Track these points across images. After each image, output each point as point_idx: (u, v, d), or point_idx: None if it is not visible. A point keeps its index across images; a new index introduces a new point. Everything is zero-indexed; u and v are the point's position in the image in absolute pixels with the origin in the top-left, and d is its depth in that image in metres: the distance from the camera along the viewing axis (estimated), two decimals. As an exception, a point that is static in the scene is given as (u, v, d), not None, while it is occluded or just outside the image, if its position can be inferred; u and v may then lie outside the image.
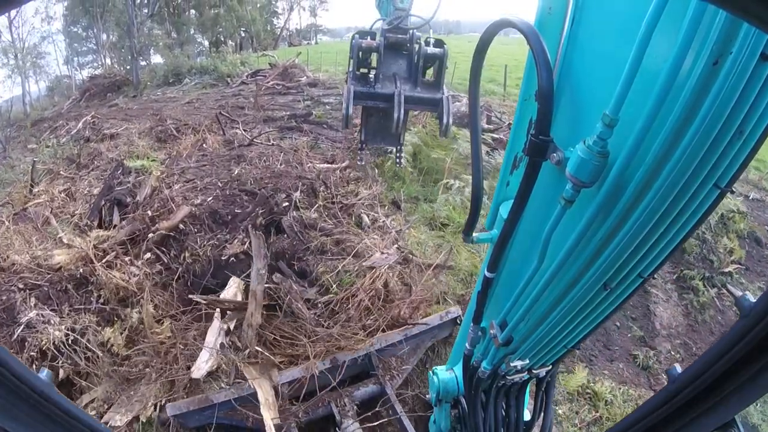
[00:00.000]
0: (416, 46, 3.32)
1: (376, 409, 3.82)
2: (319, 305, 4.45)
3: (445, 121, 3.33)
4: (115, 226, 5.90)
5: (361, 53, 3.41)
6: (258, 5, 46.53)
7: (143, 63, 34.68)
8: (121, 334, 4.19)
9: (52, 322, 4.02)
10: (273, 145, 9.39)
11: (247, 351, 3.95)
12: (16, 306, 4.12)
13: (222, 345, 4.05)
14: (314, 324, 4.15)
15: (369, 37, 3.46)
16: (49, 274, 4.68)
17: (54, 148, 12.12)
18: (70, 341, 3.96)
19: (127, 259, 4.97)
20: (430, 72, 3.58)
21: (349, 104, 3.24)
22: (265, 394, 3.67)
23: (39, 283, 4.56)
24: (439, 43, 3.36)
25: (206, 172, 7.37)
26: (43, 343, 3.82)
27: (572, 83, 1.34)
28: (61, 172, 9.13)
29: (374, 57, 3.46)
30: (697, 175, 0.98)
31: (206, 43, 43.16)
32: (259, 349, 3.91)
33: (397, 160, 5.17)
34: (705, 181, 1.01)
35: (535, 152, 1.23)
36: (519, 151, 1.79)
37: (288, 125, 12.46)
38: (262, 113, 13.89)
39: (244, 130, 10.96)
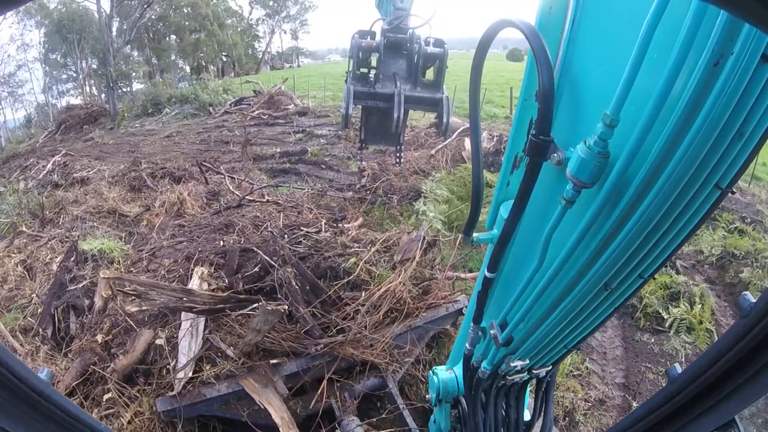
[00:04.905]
0: (416, 46, 3.31)
1: (377, 402, 3.80)
2: (333, 313, 4.22)
3: (445, 120, 3.33)
4: (72, 337, 4.88)
5: (360, 53, 3.41)
6: (239, 29, 46.46)
7: (125, 89, 33.62)
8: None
9: None
10: (268, 201, 7.95)
11: (242, 360, 3.78)
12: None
13: (209, 353, 3.83)
14: (318, 334, 3.99)
15: (369, 37, 3.46)
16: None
17: (19, 196, 10.91)
18: None
19: None
20: (430, 72, 3.58)
21: (348, 104, 3.24)
22: (279, 412, 3.46)
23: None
24: (439, 43, 3.36)
25: (184, 253, 5.71)
26: None
27: (573, 83, 1.34)
28: (24, 229, 8.09)
29: (374, 57, 3.46)
30: (698, 176, 0.99)
31: (187, 68, 42.84)
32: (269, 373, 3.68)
33: (397, 161, 5.19)
34: (706, 182, 1.01)
35: (536, 152, 1.23)
36: (519, 152, 1.79)
37: (281, 166, 11.32)
38: (249, 151, 12.45)
39: (232, 177, 9.47)
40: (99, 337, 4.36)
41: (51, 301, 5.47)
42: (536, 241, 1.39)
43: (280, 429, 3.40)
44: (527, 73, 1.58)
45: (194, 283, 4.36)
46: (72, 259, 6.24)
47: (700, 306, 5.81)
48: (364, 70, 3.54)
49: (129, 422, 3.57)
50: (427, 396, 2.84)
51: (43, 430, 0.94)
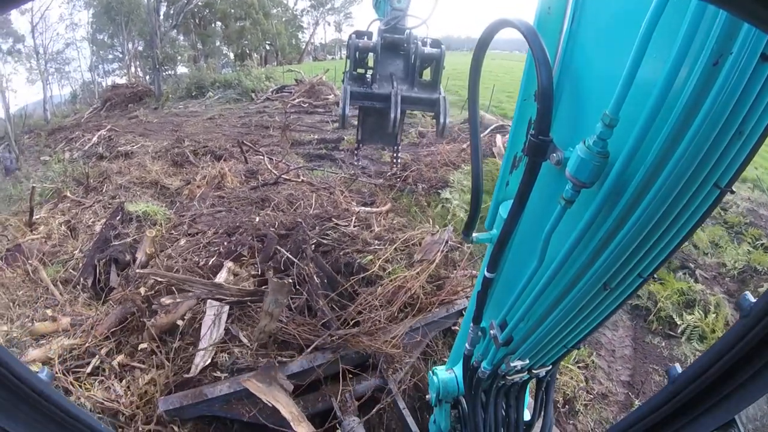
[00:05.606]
0: (413, 47, 3.31)
1: (379, 404, 3.81)
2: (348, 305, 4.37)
3: (442, 121, 3.33)
4: (112, 288, 5.20)
5: (358, 53, 3.41)
6: (283, 19, 47.15)
7: (170, 72, 34.66)
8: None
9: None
10: (303, 182, 8.46)
11: (255, 345, 3.91)
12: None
13: (225, 340, 4.00)
14: (335, 326, 4.10)
15: (366, 38, 3.46)
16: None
17: (64, 164, 11.63)
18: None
19: (116, 362, 3.95)
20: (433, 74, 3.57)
21: (345, 104, 3.24)
22: (287, 408, 3.46)
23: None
24: (435, 44, 3.36)
25: (222, 222, 6.13)
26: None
27: (572, 83, 1.34)
28: (68, 195, 8.57)
29: (371, 57, 3.46)
30: (697, 175, 0.99)
31: (231, 55, 43.70)
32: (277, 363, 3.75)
33: (394, 161, 5.20)
34: (705, 182, 1.01)
35: (535, 152, 1.23)
36: (519, 151, 1.79)
37: (317, 152, 11.79)
38: (288, 135, 13.00)
39: (270, 158, 9.99)
40: (142, 290, 4.59)
41: (94, 254, 5.78)
42: (536, 241, 1.39)
43: (291, 424, 3.39)
44: (526, 72, 1.59)
45: (222, 276, 4.54)
46: (118, 218, 6.61)
47: (714, 315, 5.79)
48: (362, 71, 3.53)
49: (147, 383, 3.75)
50: (427, 396, 2.84)
51: (43, 430, 0.94)
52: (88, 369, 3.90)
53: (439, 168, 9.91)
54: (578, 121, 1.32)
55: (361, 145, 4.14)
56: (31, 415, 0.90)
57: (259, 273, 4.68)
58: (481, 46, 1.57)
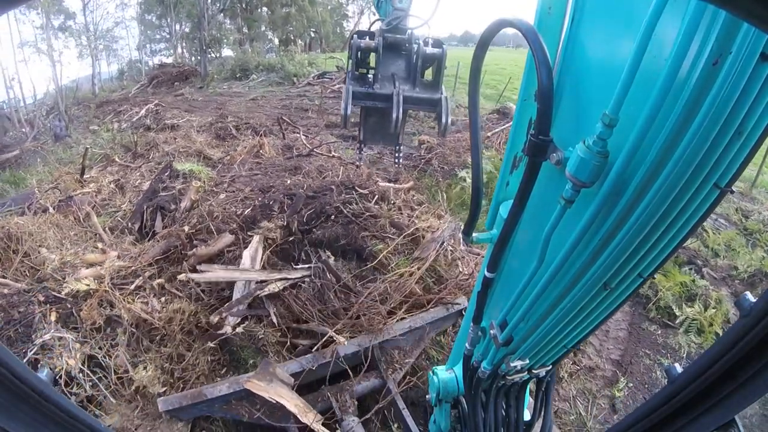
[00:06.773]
0: (414, 47, 3.32)
1: (378, 404, 3.81)
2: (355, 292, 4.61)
3: (444, 120, 3.33)
4: (155, 233, 5.77)
5: (359, 53, 3.41)
6: (329, 7, 47.89)
7: (214, 55, 35.86)
8: (156, 369, 3.84)
9: (71, 347, 3.66)
10: (333, 156, 9.04)
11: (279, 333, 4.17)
12: (33, 323, 3.77)
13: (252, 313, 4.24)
14: (342, 314, 4.34)
15: (368, 38, 3.46)
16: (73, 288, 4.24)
17: (113, 133, 12.40)
18: (88, 369, 3.66)
19: (156, 283, 4.52)
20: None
21: (347, 104, 3.24)
22: (292, 401, 3.48)
23: (61, 297, 4.10)
24: (437, 44, 3.37)
25: (257, 183, 6.79)
26: (57, 369, 3.54)
27: (572, 83, 1.34)
28: (116, 159, 9.26)
29: (373, 57, 3.47)
30: (696, 175, 0.99)
31: (276, 40, 44.53)
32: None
33: (396, 161, 5.21)
34: (705, 181, 1.01)
35: (535, 152, 1.23)
36: (519, 151, 1.79)
37: (351, 134, 12.21)
38: (325, 118, 13.73)
39: (305, 136, 10.67)
40: (186, 227, 5.20)
41: (143, 202, 6.50)
42: (536, 240, 1.39)
43: (298, 416, 3.41)
44: (526, 72, 1.59)
45: (253, 247, 4.90)
46: (166, 173, 7.30)
47: (714, 310, 5.84)
48: (363, 71, 3.54)
49: (176, 311, 4.20)
50: (427, 396, 2.84)
51: (43, 430, 0.94)
52: (132, 287, 4.45)
53: (462, 153, 10.51)
54: (578, 121, 1.32)
55: (363, 145, 4.15)
56: (31, 415, 0.90)
57: (285, 224, 5.13)
58: (482, 46, 1.57)
